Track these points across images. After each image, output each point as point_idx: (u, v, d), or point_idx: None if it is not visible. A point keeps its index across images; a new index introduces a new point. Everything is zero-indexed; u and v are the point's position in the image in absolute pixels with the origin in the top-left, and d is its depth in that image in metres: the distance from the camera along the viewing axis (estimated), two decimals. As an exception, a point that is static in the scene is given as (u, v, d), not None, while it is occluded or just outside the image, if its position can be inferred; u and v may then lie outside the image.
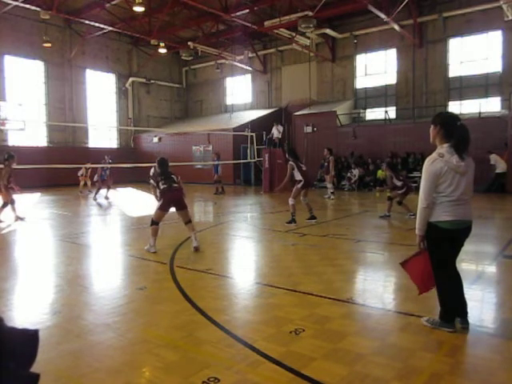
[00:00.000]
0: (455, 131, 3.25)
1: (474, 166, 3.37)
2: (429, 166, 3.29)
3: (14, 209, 9.58)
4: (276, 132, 18.59)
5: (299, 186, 8.86)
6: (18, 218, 9.62)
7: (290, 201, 8.92)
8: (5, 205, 9.55)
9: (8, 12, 19.21)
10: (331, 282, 4.75)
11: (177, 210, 6.52)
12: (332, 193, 14.64)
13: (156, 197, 6.70)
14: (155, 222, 6.48)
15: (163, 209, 6.44)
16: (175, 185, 6.47)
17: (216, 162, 16.62)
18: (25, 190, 10.43)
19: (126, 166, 18.25)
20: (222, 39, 23.29)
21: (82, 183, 16.95)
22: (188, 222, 6.62)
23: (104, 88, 25.80)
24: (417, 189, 13.33)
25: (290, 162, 8.92)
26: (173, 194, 6.42)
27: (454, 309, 3.38)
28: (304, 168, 8.98)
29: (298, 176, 8.84)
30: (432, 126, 3.40)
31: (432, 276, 3.41)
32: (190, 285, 4.67)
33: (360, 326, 3.55)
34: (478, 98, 18.27)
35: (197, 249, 6.42)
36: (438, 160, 3.25)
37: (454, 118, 3.37)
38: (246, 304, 4.19)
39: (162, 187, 6.41)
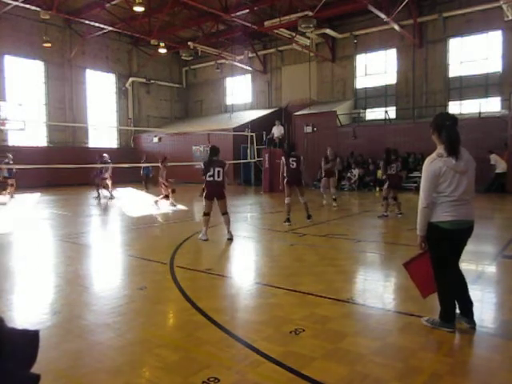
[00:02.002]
0: (444, 132, 3.26)
1: (474, 164, 3.35)
2: (428, 165, 3.29)
3: (170, 198, 12.17)
4: (276, 131, 18.57)
5: (285, 182, 8.99)
6: (172, 204, 12.17)
7: (285, 200, 8.96)
8: (166, 197, 12.15)
9: (8, 12, 19.21)
10: (331, 281, 4.75)
11: (217, 199, 7.22)
12: (334, 199, 12.20)
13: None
14: (206, 212, 7.12)
15: (208, 198, 7.16)
16: (218, 179, 7.06)
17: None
18: (177, 184, 12.73)
19: (126, 165, 18.23)
20: (222, 39, 23.28)
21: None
22: (224, 213, 7.20)
23: (104, 88, 25.80)
24: (416, 189, 13.41)
25: (282, 158, 9.11)
26: (214, 188, 7.11)
27: (453, 309, 3.38)
28: (293, 166, 8.90)
29: (285, 172, 8.97)
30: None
31: (433, 280, 3.40)
32: (189, 285, 4.67)
33: (360, 326, 3.55)
34: (478, 98, 18.26)
35: (230, 240, 7.15)
36: (437, 160, 3.25)
37: (445, 118, 3.36)
38: (246, 304, 4.19)
39: (207, 179, 7.04)
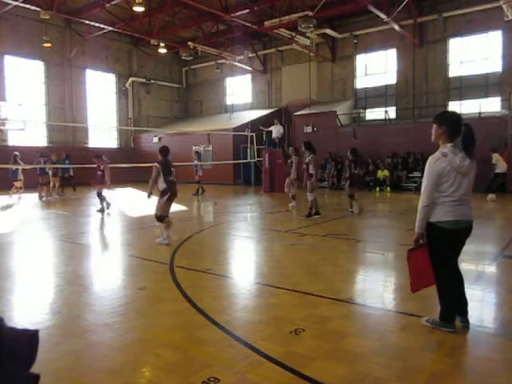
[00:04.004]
0: (462, 131, 3.24)
1: (475, 166, 3.34)
2: (432, 164, 3.24)
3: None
4: (275, 131, 18.54)
5: (312, 179, 9.70)
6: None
7: (308, 196, 9.67)
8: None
9: (8, 12, 19.19)
10: (331, 281, 4.75)
11: (172, 200, 7.05)
12: (293, 196, 11.85)
13: (151, 187, 6.88)
14: (165, 216, 6.86)
15: (171, 200, 6.94)
16: (175, 179, 6.99)
17: (195, 163, 16.52)
18: (27, 190, 11.71)
19: (125, 165, 18.23)
20: (222, 39, 23.29)
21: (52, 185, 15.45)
22: (168, 215, 7.03)
23: (104, 88, 25.78)
24: (416, 189, 13.58)
25: (310, 157, 9.67)
26: (175, 187, 6.96)
27: (453, 308, 3.38)
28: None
29: (311, 170, 9.63)
30: (435, 126, 3.33)
31: (428, 275, 3.40)
32: (190, 285, 4.67)
33: (360, 326, 3.55)
34: (477, 98, 18.25)
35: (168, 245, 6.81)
36: (442, 159, 3.21)
37: (460, 118, 3.34)
38: (246, 304, 4.19)
39: (170, 178, 6.82)
